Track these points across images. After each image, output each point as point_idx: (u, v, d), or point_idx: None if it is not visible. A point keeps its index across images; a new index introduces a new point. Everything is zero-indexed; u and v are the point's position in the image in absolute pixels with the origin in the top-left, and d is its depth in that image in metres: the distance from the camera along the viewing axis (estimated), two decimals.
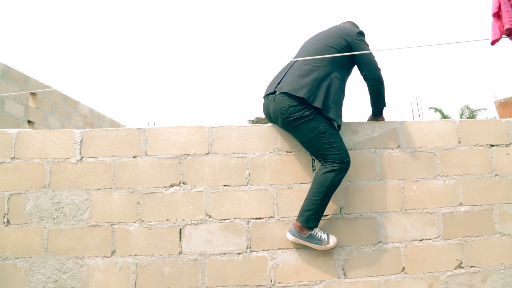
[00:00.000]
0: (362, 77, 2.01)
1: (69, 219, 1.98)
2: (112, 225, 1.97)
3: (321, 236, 1.88)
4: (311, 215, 1.83)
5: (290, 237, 1.89)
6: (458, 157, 2.10)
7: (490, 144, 2.14)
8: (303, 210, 1.86)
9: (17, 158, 2.01)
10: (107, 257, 1.95)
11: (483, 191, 2.09)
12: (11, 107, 3.81)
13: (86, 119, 5.46)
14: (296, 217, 1.91)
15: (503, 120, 2.17)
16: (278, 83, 1.93)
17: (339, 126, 1.94)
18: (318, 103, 1.82)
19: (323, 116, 1.86)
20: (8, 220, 1.96)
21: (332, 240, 1.90)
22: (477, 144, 2.13)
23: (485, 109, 13.45)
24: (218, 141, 2.02)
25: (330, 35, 2.00)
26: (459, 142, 2.12)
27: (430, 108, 13.49)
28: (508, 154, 2.14)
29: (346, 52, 1.93)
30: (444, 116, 13.08)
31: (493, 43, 2.04)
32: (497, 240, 2.06)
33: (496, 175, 2.11)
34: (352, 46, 1.96)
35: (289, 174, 2.00)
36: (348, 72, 2.02)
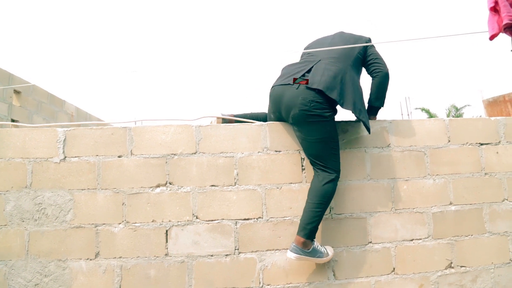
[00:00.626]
0: (370, 73, 2.05)
1: (52, 221, 1.91)
2: (96, 226, 1.91)
3: (320, 248, 1.83)
4: (314, 228, 1.79)
5: (292, 255, 1.77)
6: (448, 156, 2.09)
7: (479, 143, 2.13)
8: (305, 224, 1.79)
9: None
10: (90, 260, 1.89)
11: (473, 190, 2.08)
12: None
13: (72, 118, 5.36)
14: (297, 229, 1.82)
15: (492, 118, 2.16)
16: (303, 75, 1.86)
17: (369, 130, 1.91)
18: (348, 106, 1.81)
19: (335, 123, 1.90)
20: None
21: (330, 251, 1.86)
22: (467, 143, 2.12)
23: (469, 105, 13.81)
24: (205, 140, 1.98)
25: (346, 39, 2.03)
26: (449, 141, 2.11)
27: (416, 108, 13.63)
28: (497, 152, 2.13)
29: (363, 57, 2.02)
30: (431, 116, 13.22)
31: (491, 38, 2.01)
32: (487, 239, 2.05)
33: (485, 174, 2.11)
34: (367, 48, 2.04)
35: (278, 174, 1.97)
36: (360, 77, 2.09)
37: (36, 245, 1.89)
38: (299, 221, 1.93)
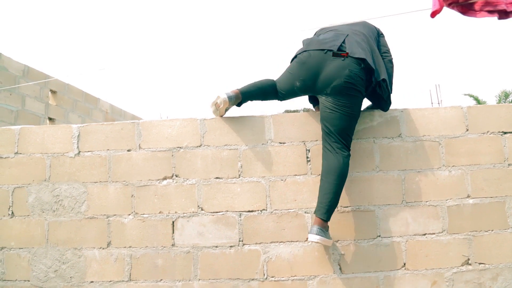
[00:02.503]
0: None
1: (68, 211, 2.03)
2: (107, 217, 2.00)
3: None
4: (334, 208, 1.78)
5: (315, 238, 1.71)
6: (465, 146, 1.96)
7: (502, 132, 1.97)
8: (329, 205, 1.74)
9: (20, 153, 2.08)
10: (103, 249, 1.98)
11: (494, 182, 1.93)
12: (31, 105, 3.98)
13: (107, 115, 5.61)
14: (315, 212, 1.77)
15: None
16: (341, 45, 1.83)
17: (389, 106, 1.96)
18: (384, 77, 1.84)
19: None
20: (12, 212, 2.04)
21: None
22: (488, 132, 1.97)
23: None
24: (210, 133, 2.00)
25: (364, 26, 2.02)
26: (467, 130, 1.97)
27: (465, 94, 12.62)
28: None
29: (377, 45, 2.00)
30: (479, 103, 12.35)
31: (432, 15, 1.91)
32: (510, 235, 1.90)
33: (509, 164, 1.95)
34: (380, 38, 2.05)
35: (282, 166, 1.95)
36: None
37: (54, 234, 2.02)
38: (303, 214, 1.91)
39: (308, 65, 1.86)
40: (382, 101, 1.92)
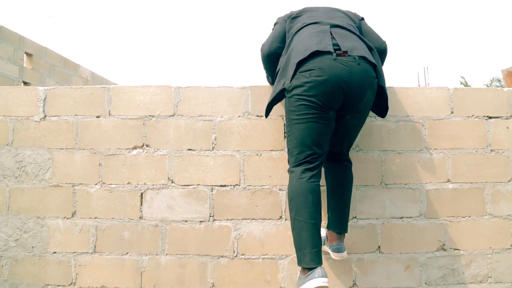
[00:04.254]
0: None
1: (31, 178, 1.92)
2: (73, 186, 1.90)
3: None
4: None
5: (346, 255, 1.69)
6: (449, 129, 1.89)
7: (487, 116, 1.91)
8: (347, 219, 1.68)
9: None
10: (67, 218, 1.89)
11: (475, 168, 1.88)
12: (3, 67, 3.77)
13: (87, 83, 5.40)
14: (341, 231, 1.69)
15: (505, 89, 1.92)
16: (337, 46, 1.48)
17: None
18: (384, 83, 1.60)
19: None
20: None
21: None
22: (473, 115, 1.91)
23: None
24: (184, 102, 1.89)
25: (344, 13, 1.71)
26: (452, 112, 1.91)
27: (461, 77, 12.24)
28: (507, 128, 1.91)
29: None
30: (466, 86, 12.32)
31: None
32: (487, 222, 1.86)
33: (491, 150, 1.90)
34: (361, 25, 1.73)
35: (259, 140, 1.86)
36: None
37: (16, 201, 1.91)
38: (278, 191, 1.84)
39: (332, 82, 1.41)
40: (379, 107, 1.66)
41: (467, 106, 1.91)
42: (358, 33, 1.59)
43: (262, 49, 1.75)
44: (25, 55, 4.12)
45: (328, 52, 1.42)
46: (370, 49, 1.56)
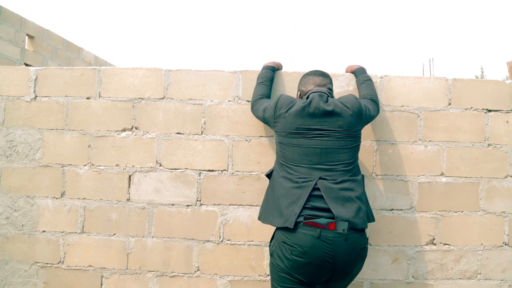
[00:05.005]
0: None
1: (22, 158, 1.93)
2: (62, 166, 1.90)
3: None
4: None
5: None
6: (446, 120, 1.83)
7: (486, 109, 1.84)
8: None
9: None
10: (56, 198, 1.90)
11: (471, 162, 1.83)
12: (5, 49, 3.78)
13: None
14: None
15: (507, 81, 1.85)
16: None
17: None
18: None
19: None
20: None
21: None
22: (471, 108, 1.84)
23: None
24: (174, 85, 1.86)
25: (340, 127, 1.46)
26: (449, 104, 1.84)
27: (481, 68, 11.70)
28: (507, 122, 1.84)
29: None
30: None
31: None
32: (480, 218, 1.82)
33: (489, 144, 1.83)
34: (363, 118, 1.54)
35: (248, 126, 1.83)
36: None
37: (7, 180, 1.92)
38: (266, 178, 1.81)
39: (317, 261, 1.34)
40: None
41: (465, 98, 1.84)
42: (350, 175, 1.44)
43: (253, 111, 1.69)
44: (26, 37, 4.12)
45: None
46: (353, 176, 1.45)
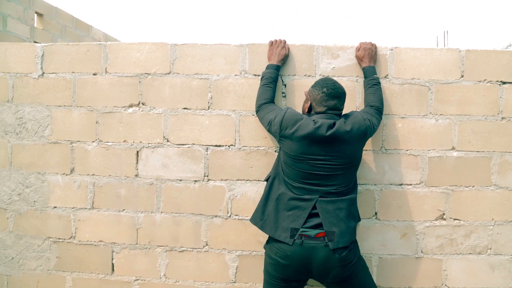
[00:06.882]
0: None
1: (31, 135, 1.94)
2: (71, 143, 1.92)
3: None
4: None
5: None
6: (457, 93, 1.78)
7: (501, 81, 1.79)
8: None
9: None
10: (66, 175, 1.92)
11: (483, 136, 1.78)
12: (14, 27, 3.76)
13: None
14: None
15: None
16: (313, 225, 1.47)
17: None
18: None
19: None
20: None
21: None
22: (484, 80, 1.79)
23: None
24: (180, 60, 1.84)
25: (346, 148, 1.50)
26: (462, 76, 1.79)
27: (509, 46, 10.21)
28: None
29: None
30: None
31: None
32: (491, 193, 1.78)
33: (503, 118, 1.79)
34: (368, 137, 1.58)
35: (255, 100, 1.80)
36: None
37: (18, 157, 1.95)
38: (273, 152, 1.80)
39: (296, 263, 1.47)
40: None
41: (479, 70, 1.78)
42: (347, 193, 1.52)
43: (259, 117, 1.71)
44: (35, 15, 4.10)
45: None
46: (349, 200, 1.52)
